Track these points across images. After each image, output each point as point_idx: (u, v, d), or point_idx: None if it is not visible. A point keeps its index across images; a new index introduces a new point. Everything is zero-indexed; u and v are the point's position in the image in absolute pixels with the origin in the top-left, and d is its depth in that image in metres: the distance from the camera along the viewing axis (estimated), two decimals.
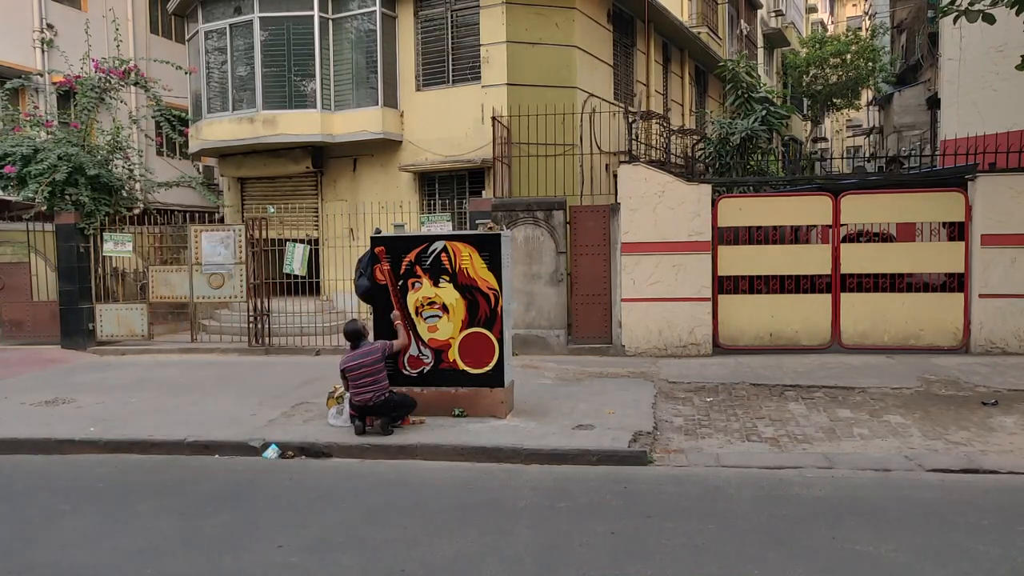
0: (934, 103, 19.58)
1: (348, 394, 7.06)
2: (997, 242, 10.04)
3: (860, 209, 10.49)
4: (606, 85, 15.30)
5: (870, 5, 37.36)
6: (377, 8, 13.86)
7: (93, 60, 13.25)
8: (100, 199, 12.84)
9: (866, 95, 33.83)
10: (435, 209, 13.81)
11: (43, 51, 17.11)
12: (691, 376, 9.28)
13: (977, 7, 8.31)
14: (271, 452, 6.71)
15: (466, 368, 7.42)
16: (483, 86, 13.46)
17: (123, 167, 13.71)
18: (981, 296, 10.15)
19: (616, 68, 15.89)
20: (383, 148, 14.39)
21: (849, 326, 10.50)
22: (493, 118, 12.66)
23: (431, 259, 7.37)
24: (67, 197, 12.49)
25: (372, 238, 7.60)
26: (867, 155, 31.53)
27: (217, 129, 14.69)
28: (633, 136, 11.83)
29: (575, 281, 11.13)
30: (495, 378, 7.39)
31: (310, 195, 15.31)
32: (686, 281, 10.60)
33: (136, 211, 13.84)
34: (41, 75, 16.17)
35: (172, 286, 12.94)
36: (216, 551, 4.62)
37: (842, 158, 20.22)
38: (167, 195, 15.04)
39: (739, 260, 10.80)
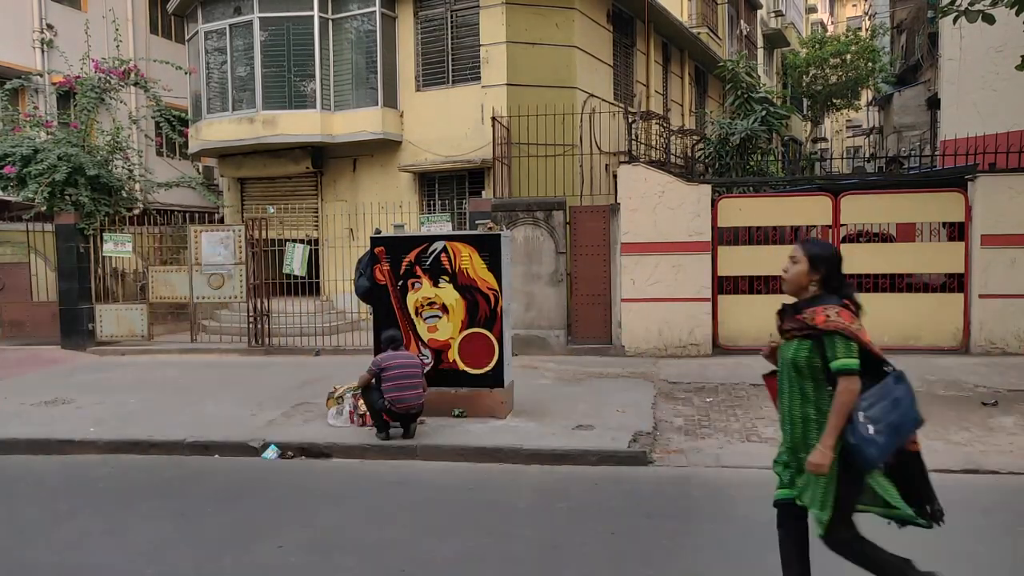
0: (934, 103, 19.58)
1: (388, 399, 6.62)
2: (997, 242, 10.04)
3: (860, 209, 10.49)
4: (606, 85, 15.30)
5: (870, 5, 37.37)
6: (377, 8, 13.87)
7: (93, 60, 13.25)
8: (100, 199, 12.84)
9: (866, 95, 33.83)
10: (435, 209, 13.81)
11: (43, 51, 17.11)
12: (691, 376, 9.28)
13: (977, 7, 8.30)
14: (271, 452, 6.70)
15: (466, 369, 7.42)
16: (483, 86, 13.46)
17: (123, 167, 13.71)
18: (981, 296, 10.15)
19: (616, 68, 15.89)
20: (383, 148, 14.39)
21: None
22: (493, 118, 12.66)
23: (431, 259, 7.37)
24: (67, 197, 12.49)
25: (372, 238, 7.60)
26: (867, 155, 31.53)
27: (217, 129, 14.70)
28: (633, 136, 11.83)
29: (575, 281, 11.13)
30: (495, 378, 7.38)
31: (310, 195, 15.31)
32: (686, 281, 10.60)
33: (136, 211, 13.84)
34: (41, 75, 16.16)
35: (172, 286, 12.94)
36: (216, 551, 4.62)
37: (842, 158, 20.22)
38: (167, 195, 15.04)
39: (739, 260, 10.80)
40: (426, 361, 7.45)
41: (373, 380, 6.67)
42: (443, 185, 14.29)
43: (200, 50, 14.98)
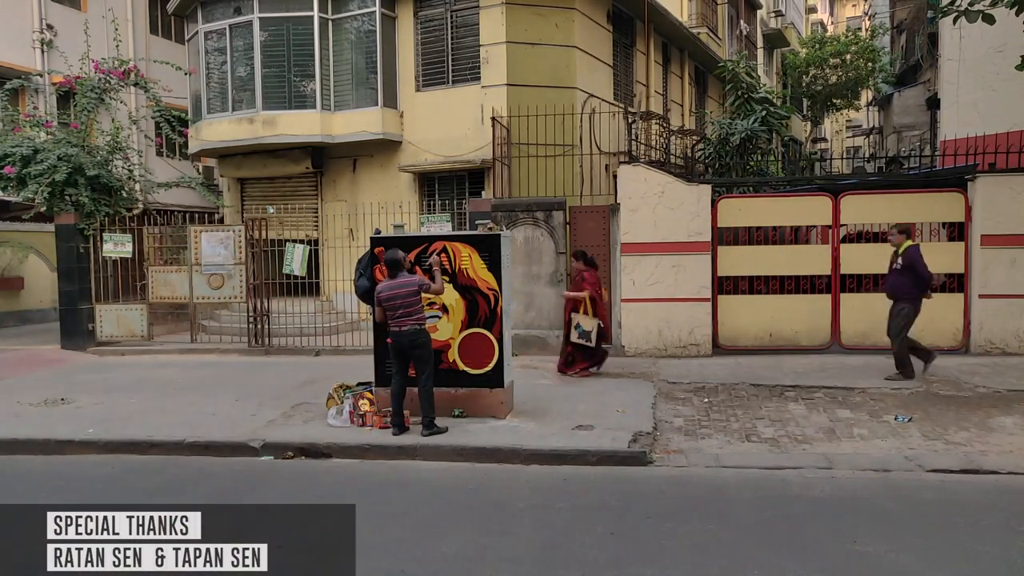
0: (934, 103, 19.58)
1: (389, 325, 6.89)
2: (997, 242, 10.04)
3: (860, 209, 10.49)
4: (606, 85, 15.29)
5: (870, 5, 37.37)
6: (377, 8, 13.87)
7: (93, 61, 13.25)
8: (100, 200, 12.84)
9: (866, 95, 33.81)
10: (435, 209, 13.81)
11: (43, 51, 17.11)
12: (691, 376, 9.28)
13: (977, 7, 8.31)
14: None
15: (466, 369, 7.42)
16: (483, 86, 13.46)
17: (123, 168, 13.71)
18: (981, 296, 10.15)
19: (616, 68, 15.89)
20: (383, 148, 14.39)
21: (849, 326, 10.49)
22: (493, 118, 12.66)
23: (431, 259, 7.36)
24: (67, 198, 12.49)
25: (372, 239, 7.60)
26: (867, 155, 31.52)
27: (217, 130, 14.69)
28: (633, 136, 11.83)
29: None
30: (495, 379, 7.38)
31: (310, 195, 15.31)
32: (686, 281, 10.59)
33: (136, 212, 13.84)
34: (41, 75, 16.18)
35: (172, 286, 12.94)
36: None
37: (842, 158, 20.22)
38: (167, 196, 15.05)
39: (739, 260, 10.79)
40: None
41: (384, 313, 6.91)
42: (443, 185, 14.28)
43: (200, 50, 14.98)
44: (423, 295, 7.03)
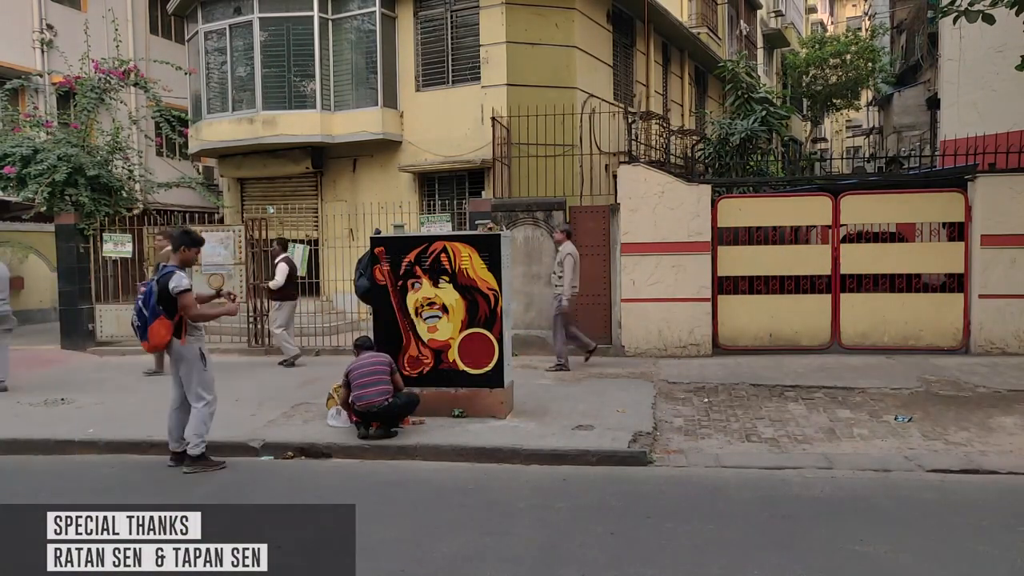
0: (934, 103, 19.59)
1: (351, 398, 6.89)
2: (997, 242, 10.04)
3: (860, 209, 10.49)
4: (606, 85, 15.30)
5: (870, 5, 37.38)
6: (377, 8, 13.87)
7: (93, 61, 13.24)
8: (100, 200, 12.83)
9: (866, 95, 33.83)
10: (435, 209, 13.81)
11: (43, 51, 17.13)
12: (691, 376, 9.28)
13: (977, 7, 8.32)
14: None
15: (466, 369, 7.41)
16: (483, 86, 13.47)
17: (123, 168, 13.71)
18: (981, 296, 10.14)
19: (616, 68, 15.89)
20: (383, 148, 14.40)
21: (849, 326, 10.49)
22: (493, 118, 12.66)
23: (431, 260, 7.37)
24: (67, 198, 12.48)
25: (372, 239, 7.59)
26: (867, 155, 31.52)
27: (217, 130, 14.70)
28: (633, 136, 11.83)
29: None
30: (495, 379, 7.38)
31: (310, 195, 15.31)
32: (686, 281, 10.59)
33: (136, 211, 13.83)
34: (41, 75, 16.18)
35: None
36: None
37: (842, 158, 20.21)
38: (167, 196, 15.03)
39: (739, 260, 10.79)
40: (425, 361, 7.44)
41: (347, 388, 6.98)
42: (443, 185, 14.29)
43: (200, 50, 14.99)
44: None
